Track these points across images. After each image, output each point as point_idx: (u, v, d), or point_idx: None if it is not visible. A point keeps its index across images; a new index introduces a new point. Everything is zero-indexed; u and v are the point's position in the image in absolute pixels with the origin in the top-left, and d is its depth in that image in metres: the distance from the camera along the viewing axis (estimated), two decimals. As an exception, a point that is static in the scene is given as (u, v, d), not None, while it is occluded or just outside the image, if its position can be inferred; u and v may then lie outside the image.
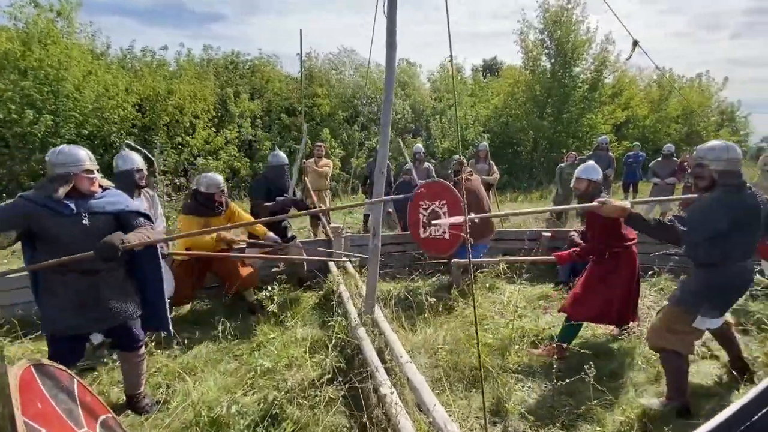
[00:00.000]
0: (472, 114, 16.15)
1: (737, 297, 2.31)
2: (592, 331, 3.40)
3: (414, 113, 17.32)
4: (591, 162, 3.37)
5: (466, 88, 19.00)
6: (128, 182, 3.13)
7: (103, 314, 2.19)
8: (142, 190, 3.35)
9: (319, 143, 6.96)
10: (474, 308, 1.80)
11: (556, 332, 3.26)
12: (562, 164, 7.75)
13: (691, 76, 18.35)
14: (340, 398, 2.35)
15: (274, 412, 2.30)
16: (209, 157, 11.24)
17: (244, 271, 3.78)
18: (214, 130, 11.77)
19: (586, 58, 14.62)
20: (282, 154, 4.85)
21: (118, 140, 10.16)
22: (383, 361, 2.56)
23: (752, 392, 0.84)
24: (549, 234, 5.15)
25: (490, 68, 23.98)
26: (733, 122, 18.91)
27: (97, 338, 2.33)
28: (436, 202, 4.52)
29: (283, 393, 2.38)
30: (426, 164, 6.59)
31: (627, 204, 2.32)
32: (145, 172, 3.37)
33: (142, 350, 2.49)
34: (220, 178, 3.63)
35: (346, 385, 2.38)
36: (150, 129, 10.92)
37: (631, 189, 9.73)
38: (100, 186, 2.22)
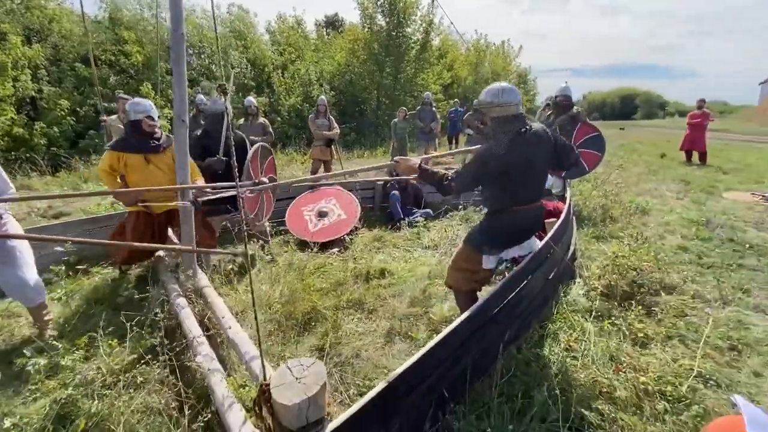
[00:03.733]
0: (316, 70, 15.74)
1: (518, 238, 2.26)
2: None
3: (254, 68, 15.91)
4: None
5: (309, 43, 18.30)
6: None
7: None
8: None
9: (123, 95, 5.73)
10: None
11: (388, 267, 3.64)
12: (396, 120, 8.34)
13: (497, 44, 21.59)
14: (155, 377, 2.11)
15: (65, 412, 1.92)
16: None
17: (208, 234, 3.35)
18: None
19: (416, 19, 15.61)
20: (220, 100, 3.88)
21: None
22: (207, 328, 2.40)
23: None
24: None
25: (333, 24, 23.48)
26: (526, 84, 23.34)
27: None
28: (322, 202, 4.86)
29: (75, 389, 2.00)
30: (261, 119, 6.16)
31: (417, 161, 2.25)
32: None
33: None
34: (147, 102, 3.10)
35: (157, 363, 2.14)
36: None
37: (454, 141, 11.24)
38: None
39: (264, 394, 1.10)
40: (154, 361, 2.17)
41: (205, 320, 2.43)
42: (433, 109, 8.69)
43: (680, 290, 2.75)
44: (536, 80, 25.86)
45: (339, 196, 4.93)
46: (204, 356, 1.92)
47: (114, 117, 5.26)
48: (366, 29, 15.93)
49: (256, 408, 1.15)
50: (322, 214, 4.78)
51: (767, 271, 3.09)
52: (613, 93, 66.48)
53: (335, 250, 4.29)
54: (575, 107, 5.37)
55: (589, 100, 68.21)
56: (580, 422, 1.63)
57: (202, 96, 6.80)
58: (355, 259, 3.83)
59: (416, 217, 4.95)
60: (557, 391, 1.73)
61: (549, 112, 5.82)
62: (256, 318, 1.35)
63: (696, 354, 2.04)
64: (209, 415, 1.70)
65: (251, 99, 6.18)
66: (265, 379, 1.13)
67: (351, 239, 4.55)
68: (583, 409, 1.66)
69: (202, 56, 15.36)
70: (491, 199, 2.25)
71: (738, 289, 2.77)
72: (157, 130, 3.12)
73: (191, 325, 2.29)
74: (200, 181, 3.12)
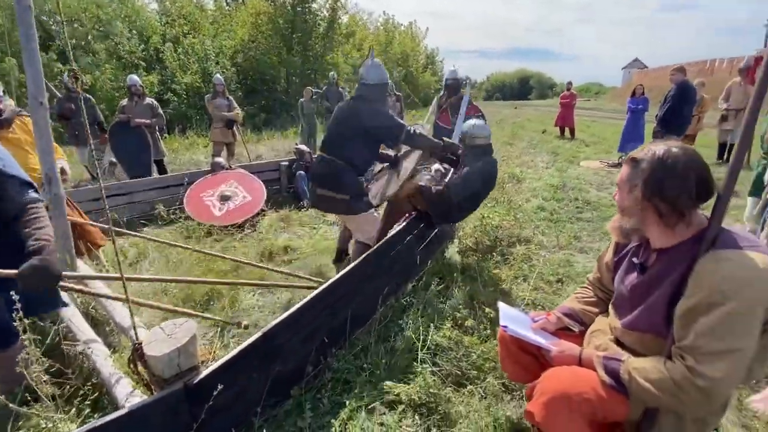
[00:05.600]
0: (215, 46, 14.63)
1: None
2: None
3: (140, 41, 14.19)
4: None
5: (206, 14, 16.83)
6: None
7: None
8: None
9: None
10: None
11: (292, 245, 3.79)
12: (302, 100, 8.29)
13: (404, 24, 22.11)
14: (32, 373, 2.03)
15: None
16: None
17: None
18: None
19: (320, -6, 15.30)
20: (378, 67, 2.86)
21: None
22: (92, 318, 2.34)
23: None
24: None
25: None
26: (434, 65, 24.42)
27: None
28: (223, 186, 4.76)
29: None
30: (148, 100, 5.70)
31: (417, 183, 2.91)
32: None
33: None
34: None
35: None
36: None
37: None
38: None
39: (137, 351, 1.23)
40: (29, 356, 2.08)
41: (90, 309, 2.36)
42: (341, 89, 8.78)
43: (531, 241, 3.38)
44: (444, 61, 27.17)
45: (241, 179, 4.87)
46: (86, 342, 1.91)
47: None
48: (269, 3, 15.16)
49: (131, 366, 1.27)
50: (225, 198, 4.70)
51: (596, 222, 3.92)
52: (512, 75, 72.54)
53: (248, 231, 4.29)
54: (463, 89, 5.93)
55: (492, 82, 73.64)
56: (436, 348, 2.02)
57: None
58: (260, 240, 3.90)
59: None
60: (421, 328, 2.10)
61: (442, 93, 6.34)
62: (123, 283, 1.43)
63: (531, 287, 2.60)
64: (96, 394, 1.73)
65: (135, 77, 5.66)
66: (137, 339, 1.25)
67: (257, 221, 4.58)
68: (438, 338, 2.05)
69: (75, 24, 13.27)
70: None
71: (572, 236, 3.49)
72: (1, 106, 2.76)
73: (72, 317, 2.22)
74: (63, 161, 2.91)
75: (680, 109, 5.50)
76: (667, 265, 1.12)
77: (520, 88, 67.21)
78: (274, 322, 1.57)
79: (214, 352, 2.05)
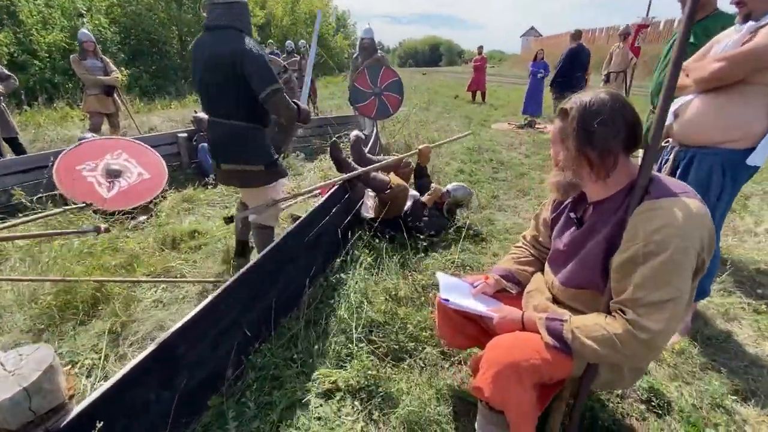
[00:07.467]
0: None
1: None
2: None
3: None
4: None
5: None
6: None
7: None
8: None
9: None
10: None
11: (200, 228, 3.33)
12: (200, 61, 7.26)
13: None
14: None
15: None
16: None
17: None
18: None
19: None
20: None
21: None
22: None
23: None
24: None
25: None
26: (346, 28, 23.41)
27: None
28: (108, 157, 3.90)
29: None
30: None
31: None
32: None
33: None
34: None
35: None
36: None
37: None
38: None
39: (-41, 401, 0.87)
40: None
41: None
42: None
43: (455, 204, 3.41)
44: (356, 25, 26.23)
45: (130, 149, 4.06)
46: None
47: None
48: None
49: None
50: (113, 174, 3.86)
51: (511, 180, 4.11)
52: (423, 42, 73.19)
53: (143, 218, 3.61)
54: (379, 51, 5.67)
55: (405, 48, 73.74)
56: (371, 325, 1.90)
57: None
58: (161, 225, 3.34)
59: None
60: (354, 306, 1.96)
61: (356, 54, 6.00)
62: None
63: (459, 250, 2.60)
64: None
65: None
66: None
67: (156, 203, 3.94)
68: (372, 314, 1.93)
69: None
70: None
71: (491, 196, 3.61)
72: None
73: None
74: None
75: (571, 71, 5.95)
76: (602, 217, 1.09)
77: (431, 55, 68.33)
78: (171, 330, 1.28)
79: (101, 369, 1.68)
